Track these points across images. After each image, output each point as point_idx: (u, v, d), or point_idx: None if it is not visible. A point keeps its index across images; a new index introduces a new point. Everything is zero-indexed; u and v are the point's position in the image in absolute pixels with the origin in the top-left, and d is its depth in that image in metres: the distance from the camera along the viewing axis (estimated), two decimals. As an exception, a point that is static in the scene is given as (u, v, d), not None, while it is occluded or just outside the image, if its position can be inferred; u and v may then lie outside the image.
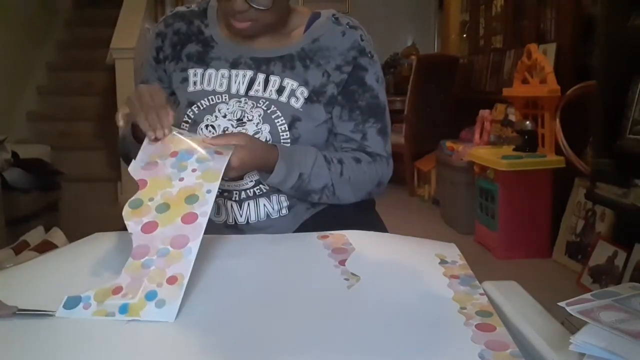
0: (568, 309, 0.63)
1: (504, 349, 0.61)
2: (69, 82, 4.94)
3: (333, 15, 1.12)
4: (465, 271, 0.83)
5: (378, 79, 1.11)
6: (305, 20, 1.12)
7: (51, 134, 4.50)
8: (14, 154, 3.25)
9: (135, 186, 0.86)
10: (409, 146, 4.37)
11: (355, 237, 0.94)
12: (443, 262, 0.86)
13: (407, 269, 0.85)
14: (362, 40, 1.10)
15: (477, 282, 0.79)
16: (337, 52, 1.08)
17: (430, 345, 0.64)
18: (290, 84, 1.06)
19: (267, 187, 1.06)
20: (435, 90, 4.38)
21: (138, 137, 0.97)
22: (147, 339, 0.66)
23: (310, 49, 1.09)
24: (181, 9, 1.18)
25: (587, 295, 0.66)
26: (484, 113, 3.55)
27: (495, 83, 3.95)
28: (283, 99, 1.06)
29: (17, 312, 0.70)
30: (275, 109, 1.05)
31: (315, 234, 0.96)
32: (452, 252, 0.90)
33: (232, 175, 0.93)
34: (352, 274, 0.81)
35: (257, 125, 1.04)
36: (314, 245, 0.92)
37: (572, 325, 0.65)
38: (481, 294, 0.75)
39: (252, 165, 0.97)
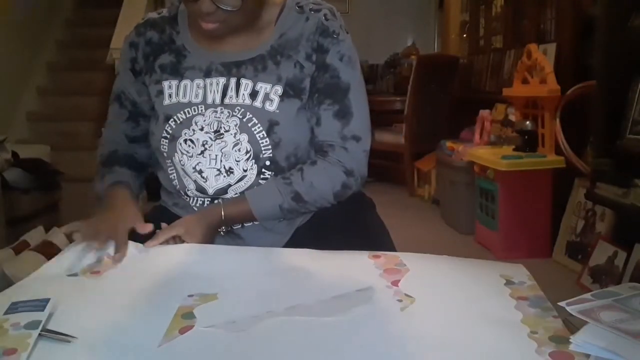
0: (568, 309, 0.63)
1: None
2: (69, 82, 4.94)
3: (297, 4, 1.07)
4: (535, 292, 0.75)
5: (342, 57, 1.05)
6: (277, 10, 1.07)
7: (51, 134, 4.49)
8: (14, 154, 3.25)
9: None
10: (409, 146, 4.37)
11: (410, 259, 0.88)
12: (509, 282, 0.79)
13: (468, 289, 0.78)
14: (327, 19, 1.05)
15: (549, 304, 0.72)
16: (305, 39, 1.04)
17: None
18: (263, 87, 1.02)
19: None
20: (435, 90, 4.38)
21: None
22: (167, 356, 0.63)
23: (279, 45, 1.05)
24: (153, 15, 1.14)
25: (587, 295, 0.66)
26: (484, 113, 3.55)
27: (495, 83, 3.95)
28: (257, 104, 1.02)
29: (41, 333, 0.66)
30: (250, 116, 1.02)
31: (366, 253, 0.91)
32: (519, 272, 0.82)
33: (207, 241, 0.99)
34: (406, 295, 0.75)
35: (234, 136, 1.01)
36: (365, 264, 0.87)
37: (572, 325, 0.65)
38: (555, 317, 0.68)
39: (209, 233, 1.01)
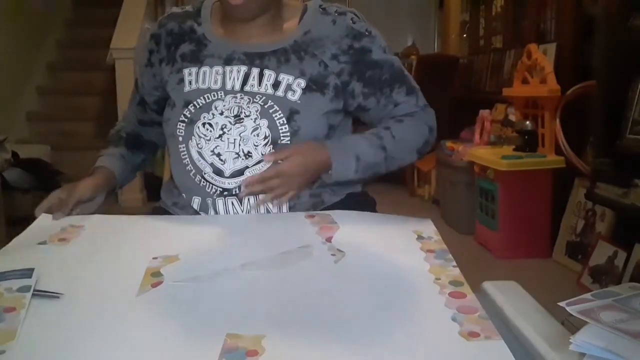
0: (568, 309, 0.63)
1: (473, 313, 0.69)
2: (69, 82, 4.94)
3: (320, 6, 1.12)
4: (440, 246, 0.89)
5: (384, 49, 1.13)
6: (299, 13, 1.12)
7: (51, 134, 4.50)
8: (14, 154, 3.26)
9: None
10: (409, 146, 4.37)
11: (340, 216, 1.00)
12: (420, 237, 0.93)
13: (387, 244, 0.92)
14: (354, 23, 1.11)
15: (450, 255, 0.85)
16: (331, 41, 1.08)
17: (408, 310, 0.72)
18: (285, 78, 1.06)
19: None
20: (435, 90, 4.36)
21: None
22: (148, 321, 0.69)
23: (303, 41, 1.09)
24: (176, 10, 1.19)
25: (587, 295, 0.66)
26: (484, 113, 3.55)
27: (495, 83, 3.95)
28: (280, 93, 1.05)
29: (33, 293, 0.73)
30: (272, 103, 1.05)
31: (302, 214, 1.03)
32: (428, 228, 0.97)
33: (301, 186, 1.03)
34: (338, 249, 0.86)
35: (254, 121, 1.04)
36: (302, 223, 0.98)
37: (572, 325, 0.65)
38: (454, 267, 0.81)
39: (308, 168, 1.03)
